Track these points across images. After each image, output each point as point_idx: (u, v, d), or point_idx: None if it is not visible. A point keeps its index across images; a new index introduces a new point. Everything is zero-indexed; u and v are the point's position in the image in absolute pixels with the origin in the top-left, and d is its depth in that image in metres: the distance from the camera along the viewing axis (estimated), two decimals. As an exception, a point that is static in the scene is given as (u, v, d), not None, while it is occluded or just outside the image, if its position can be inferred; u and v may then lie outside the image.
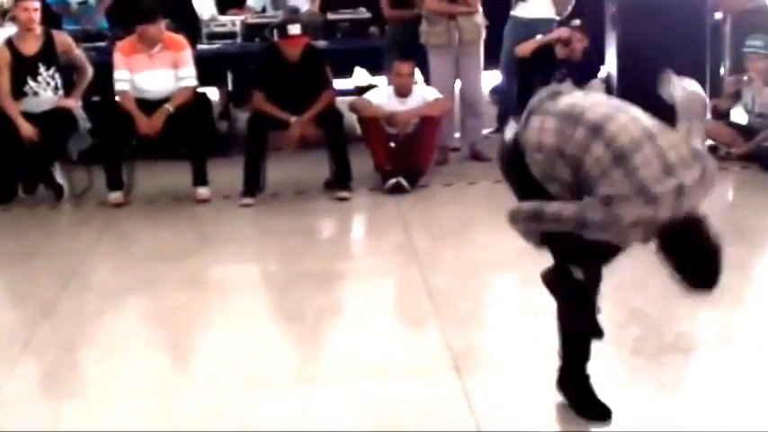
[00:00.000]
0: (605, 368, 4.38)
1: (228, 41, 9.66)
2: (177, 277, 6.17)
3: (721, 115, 9.08)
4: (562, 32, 9.08)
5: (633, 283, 5.32)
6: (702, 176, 3.60)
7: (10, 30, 8.52)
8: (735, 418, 3.88)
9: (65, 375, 4.85)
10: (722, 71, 10.17)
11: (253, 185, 8.03)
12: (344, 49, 9.79)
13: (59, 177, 8.34)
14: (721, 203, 8.04)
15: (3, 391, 4.60)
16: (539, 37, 9.13)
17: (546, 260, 3.99)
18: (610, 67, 9.54)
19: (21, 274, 6.43)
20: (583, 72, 9.13)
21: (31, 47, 8.11)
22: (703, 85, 9.35)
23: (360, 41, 9.92)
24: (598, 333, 3.98)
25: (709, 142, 8.97)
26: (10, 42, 8.13)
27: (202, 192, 8.06)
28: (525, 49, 9.08)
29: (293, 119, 8.02)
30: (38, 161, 8.16)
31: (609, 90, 9.42)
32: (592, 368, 4.14)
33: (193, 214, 7.88)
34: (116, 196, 8.04)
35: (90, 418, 4.27)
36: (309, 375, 4.70)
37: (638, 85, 9.29)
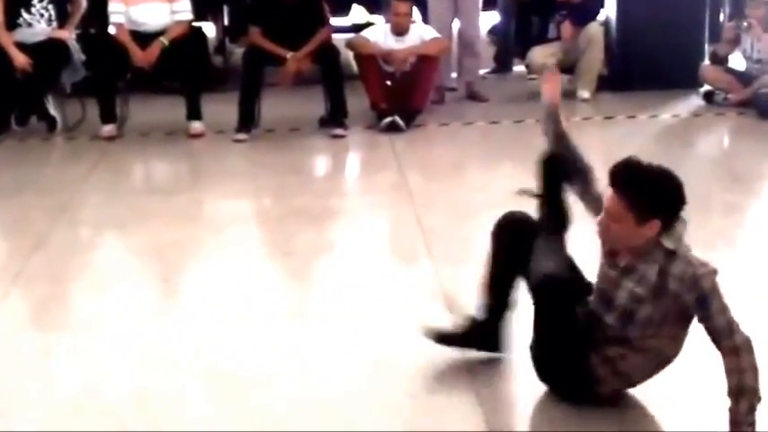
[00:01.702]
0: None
1: (225, -25, 9.58)
2: (169, 211, 6.15)
3: (719, 60, 9.02)
4: (562, -27, 9.03)
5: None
6: None
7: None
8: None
9: (55, 307, 4.84)
10: (721, 17, 10.13)
11: (247, 121, 7.99)
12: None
13: (52, 109, 8.29)
14: (718, 150, 8.03)
15: (-5, 320, 4.61)
16: (538, -23, 9.09)
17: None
18: (609, 10, 9.45)
19: (12, 205, 6.41)
20: (582, 15, 9.07)
21: (23, -22, 8.04)
22: (702, 30, 9.40)
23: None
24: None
25: (707, 87, 8.95)
26: (2, -26, 8.05)
27: (196, 126, 8.03)
28: (526, -12, 9.03)
29: (289, 54, 7.97)
30: (31, 92, 8.11)
31: (607, 33, 9.38)
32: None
33: (187, 149, 7.84)
34: (109, 129, 8.00)
35: (80, 350, 4.26)
36: (300, 311, 4.68)
37: (636, 30, 9.33)
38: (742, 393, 3.31)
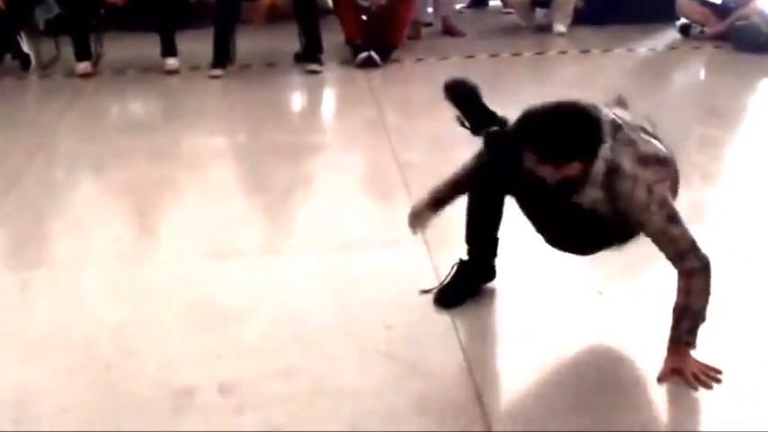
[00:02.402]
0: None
1: None
2: (146, 149, 6.14)
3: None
4: None
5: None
6: None
7: None
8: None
9: (32, 245, 4.82)
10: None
11: (222, 57, 7.96)
12: None
13: (26, 47, 8.23)
14: (694, 83, 8.05)
15: (-30, 260, 4.62)
16: None
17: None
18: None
19: (-13, 144, 6.38)
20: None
21: None
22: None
23: None
24: None
25: (684, 21, 8.95)
26: None
27: (171, 62, 8.00)
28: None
29: None
30: (3, 30, 8.03)
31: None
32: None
33: (162, 85, 7.81)
34: (84, 66, 7.95)
35: (57, 287, 4.27)
36: (277, 246, 4.70)
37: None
38: (684, 314, 3.35)
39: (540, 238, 3.79)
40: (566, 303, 3.96)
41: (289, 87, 7.80)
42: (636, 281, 4.18)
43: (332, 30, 8.27)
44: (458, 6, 9.67)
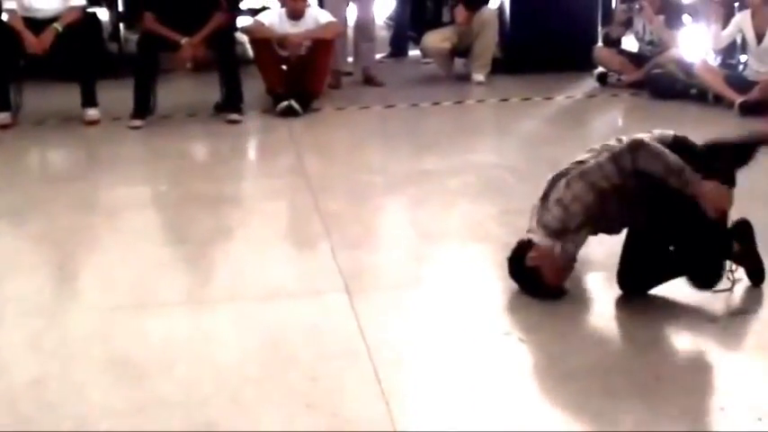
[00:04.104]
0: (493, 291, 4.47)
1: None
2: (66, 199, 6.10)
3: (612, 43, 9.21)
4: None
5: (526, 208, 5.39)
6: None
7: None
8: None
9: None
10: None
11: (143, 107, 7.95)
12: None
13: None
14: (612, 129, 8.17)
15: None
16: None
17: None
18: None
19: None
20: (476, -1, 9.18)
21: None
22: (595, 13, 9.55)
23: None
24: None
25: (601, 69, 9.11)
26: None
27: (91, 113, 7.97)
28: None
29: (184, 40, 7.93)
30: None
31: (501, 16, 9.49)
32: (479, 291, 4.20)
33: (83, 136, 7.79)
34: (3, 117, 7.91)
35: (-25, 339, 4.22)
36: (198, 297, 4.65)
37: (530, 12, 9.44)
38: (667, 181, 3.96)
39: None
40: (482, 347, 3.99)
41: (209, 137, 7.79)
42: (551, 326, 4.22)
43: (253, 78, 8.30)
44: (378, 56, 9.74)
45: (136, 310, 4.45)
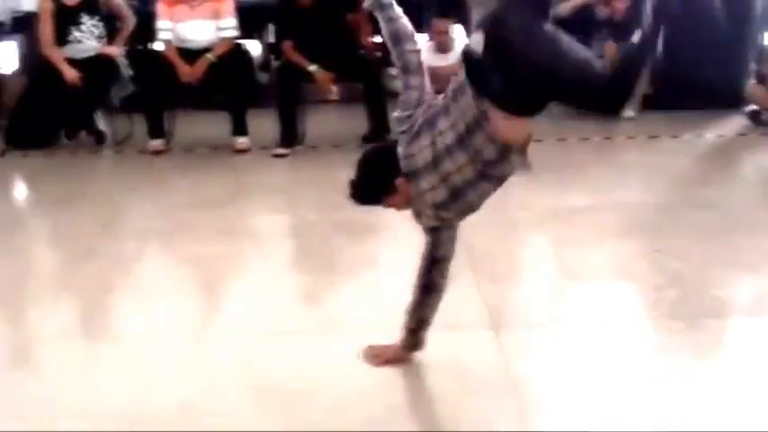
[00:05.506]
0: (641, 331, 4.40)
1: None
2: (213, 224, 6.21)
3: (764, 80, 9.02)
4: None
5: (675, 247, 5.31)
6: None
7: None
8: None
9: (103, 318, 4.89)
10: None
11: (288, 136, 8.06)
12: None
13: (101, 124, 8.42)
14: (763, 169, 7.96)
15: (44, 329, 4.69)
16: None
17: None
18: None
19: (62, 217, 6.50)
20: (625, 33, 9.07)
21: (73, -3, 8.17)
22: (745, 49, 9.37)
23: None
24: None
25: (753, 107, 8.92)
26: (53, -6, 8.19)
27: (241, 141, 8.12)
28: (565, 8, 9.03)
29: (312, 67, 8.05)
30: (80, 107, 8.24)
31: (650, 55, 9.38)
32: (627, 330, 4.14)
33: (231, 163, 7.93)
34: (156, 144, 8.11)
35: (125, 361, 4.30)
36: (342, 325, 4.67)
37: (680, 48, 9.31)
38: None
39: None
40: (629, 390, 3.93)
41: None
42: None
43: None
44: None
45: (282, 336, 4.50)
